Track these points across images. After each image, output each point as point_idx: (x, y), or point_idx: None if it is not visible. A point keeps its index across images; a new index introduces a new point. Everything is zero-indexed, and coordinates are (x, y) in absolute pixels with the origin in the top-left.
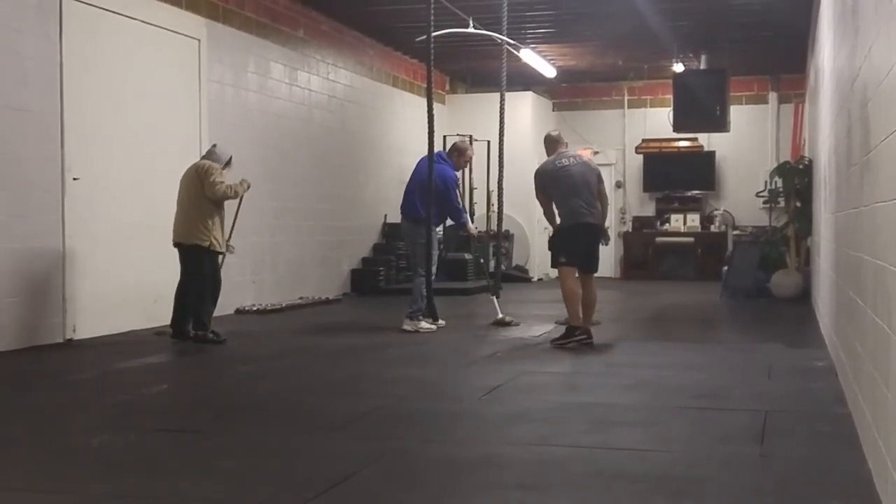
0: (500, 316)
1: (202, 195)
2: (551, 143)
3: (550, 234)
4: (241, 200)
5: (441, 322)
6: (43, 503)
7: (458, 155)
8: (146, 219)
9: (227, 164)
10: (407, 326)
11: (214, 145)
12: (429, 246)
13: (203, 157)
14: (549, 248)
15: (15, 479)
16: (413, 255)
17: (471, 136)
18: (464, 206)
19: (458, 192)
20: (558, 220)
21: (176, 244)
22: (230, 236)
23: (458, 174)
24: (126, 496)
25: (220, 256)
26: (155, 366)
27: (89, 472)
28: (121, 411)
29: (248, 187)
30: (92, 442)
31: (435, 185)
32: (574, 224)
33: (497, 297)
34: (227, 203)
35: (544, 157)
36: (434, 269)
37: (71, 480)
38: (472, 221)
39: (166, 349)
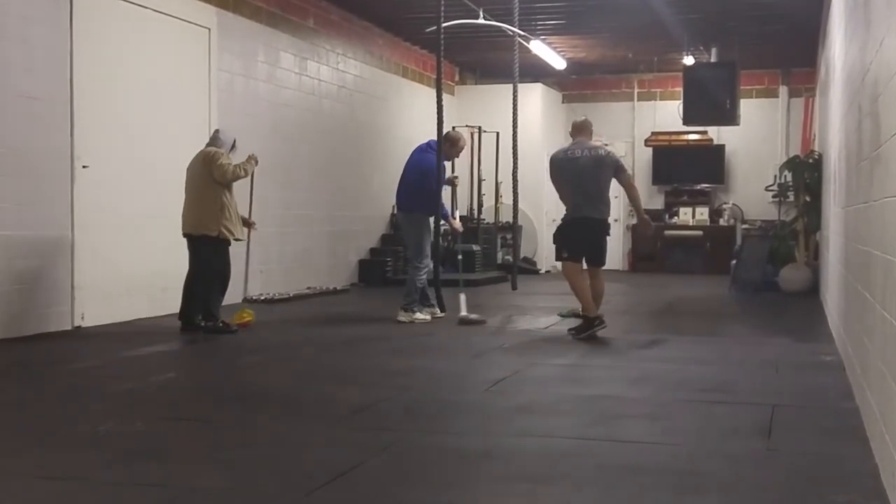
0: (464, 314)
1: (210, 183)
2: (574, 130)
3: (562, 222)
4: (252, 178)
5: (438, 312)
6: (50, 490)
7: (451, 145)
8: (155, 207)
9: (233, 147)
10: (402, 318)
11: (217, 130)
12: (436, 237)
13: (208, 145)
14: (553, 242)
15: (22, 467)
16: (408, 246)
17: (479, 128)
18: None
19: (443, 182)
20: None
21: (185, 235)
22: (250, 213)
23: (457, 164)
24: (133, 484)
25: (230, 242)
26: (162, 354)
27: (96, 460)
28: (128, 399)
29: (257, 163)
30: (99, 430)
31: (422, 174)
32: (574, 218)
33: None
34: (238, 186)
35: (553, 149)
36: (428, 260)
37: (78, 468)
38: (480, 213)
39: (174, 338)
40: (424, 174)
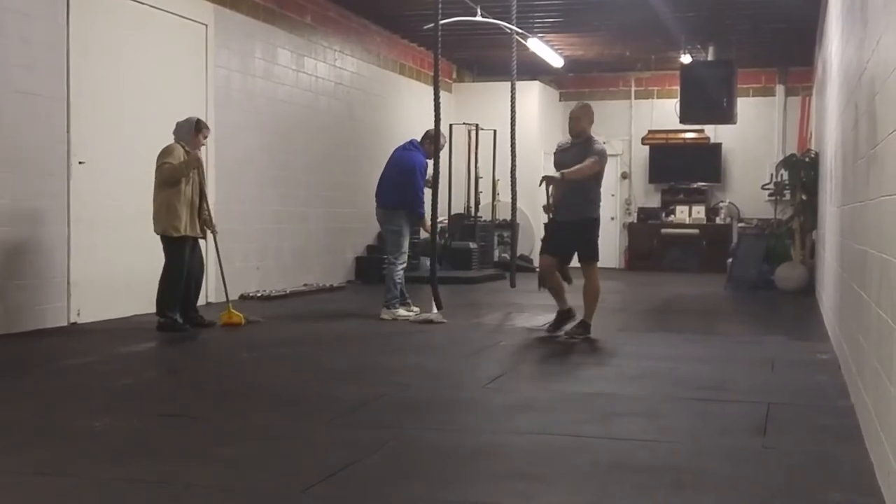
0: (434, 312)
1: (157, 181)
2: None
3: (594, 219)
4: (201, 179)
5: (416, 309)
6: (46, 487)
7: (430, 143)
8: (150, 204)
9: (198, 130)
10: (384, 315)
11: (177, 123)
12: (432, 235)
13: (174, 140)
14: (595, 239)
15: (18, 463)
16: (386, 243)
17: (477, 125)
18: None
19: (425, 180)
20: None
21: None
22: (210, 215)
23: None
24: (128, 480)
25: (191, 240)
26: (158, 351)
27: (92, 457)
28: (124, 396)
29: (196, 161)
30: (95, 426)
31: (402, 172)
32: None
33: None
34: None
35: (550, 147)
36: (406, 256)
37: (74, 464)
38: (478, 211)
39: (170, 335)
40: (406, 171)
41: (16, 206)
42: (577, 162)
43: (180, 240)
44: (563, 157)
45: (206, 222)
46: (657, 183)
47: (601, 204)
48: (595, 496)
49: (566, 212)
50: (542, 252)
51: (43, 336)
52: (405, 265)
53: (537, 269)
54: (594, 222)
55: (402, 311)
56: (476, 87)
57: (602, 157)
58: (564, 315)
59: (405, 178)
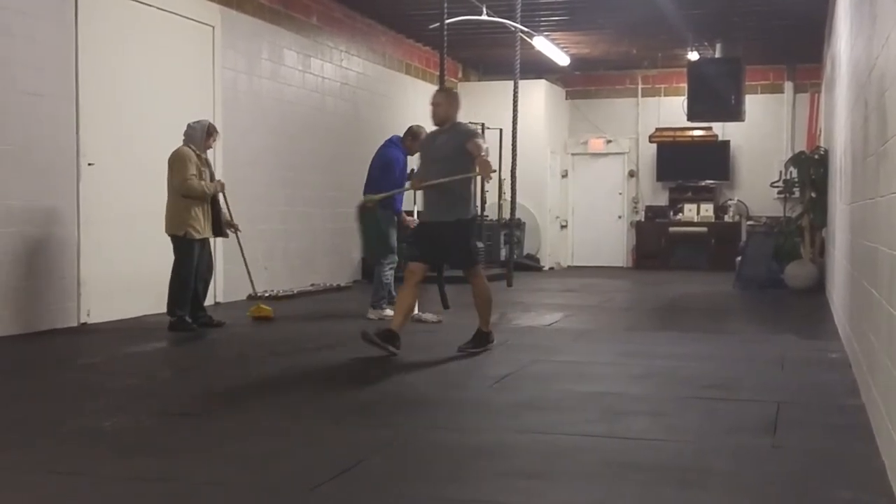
0: (417, 313)
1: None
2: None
3: (469, 220)
4: (224, 196)
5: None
6: (56, 485)
7: (413, 139)
8: (159, 205)
9: (209, 134)
10: (371, 315)
11: (189, 125)
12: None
13: (184, 142)
14: (472, 243)
15: (28, 461)
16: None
17: (483, 125)
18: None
19: (405, 176)
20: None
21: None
22: (231, 217)
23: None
24: (137, 478)
25: (203, 241)
26: (166, 350)
27: (101, 455)
28: (133, 395)
29: (222, 188)
30: (104, 424)
31: (382, 168)
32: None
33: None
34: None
35: (556, 146)
36: (394, 255)
37: (83, 462)
38: (483, 210)
39: (178, 335)
40: (384, 168)
41: (25, 207)
42: (449, 148)
43: (194, 242)
44: (431, 144)
45: (228, 224)
46: (665, 181)
47: (473, 203)
48: (602, 495)
49: (436, 212)
50: (411, 258)
51: (53, 336)
52: (394, 265)
53: (548, 268)
54: (469, 224)
55: (388, 312)
56: (481, 87)
57: (477, 135)
58: (390, 334)
59: (376, 175)
